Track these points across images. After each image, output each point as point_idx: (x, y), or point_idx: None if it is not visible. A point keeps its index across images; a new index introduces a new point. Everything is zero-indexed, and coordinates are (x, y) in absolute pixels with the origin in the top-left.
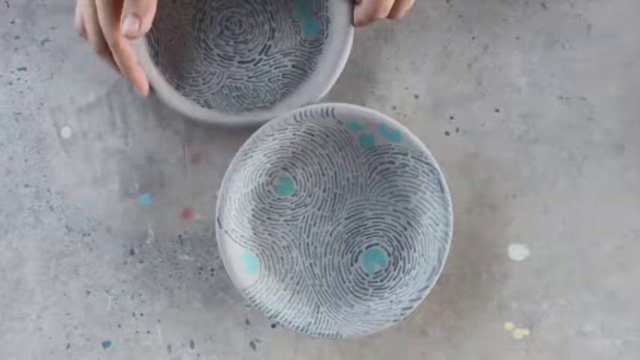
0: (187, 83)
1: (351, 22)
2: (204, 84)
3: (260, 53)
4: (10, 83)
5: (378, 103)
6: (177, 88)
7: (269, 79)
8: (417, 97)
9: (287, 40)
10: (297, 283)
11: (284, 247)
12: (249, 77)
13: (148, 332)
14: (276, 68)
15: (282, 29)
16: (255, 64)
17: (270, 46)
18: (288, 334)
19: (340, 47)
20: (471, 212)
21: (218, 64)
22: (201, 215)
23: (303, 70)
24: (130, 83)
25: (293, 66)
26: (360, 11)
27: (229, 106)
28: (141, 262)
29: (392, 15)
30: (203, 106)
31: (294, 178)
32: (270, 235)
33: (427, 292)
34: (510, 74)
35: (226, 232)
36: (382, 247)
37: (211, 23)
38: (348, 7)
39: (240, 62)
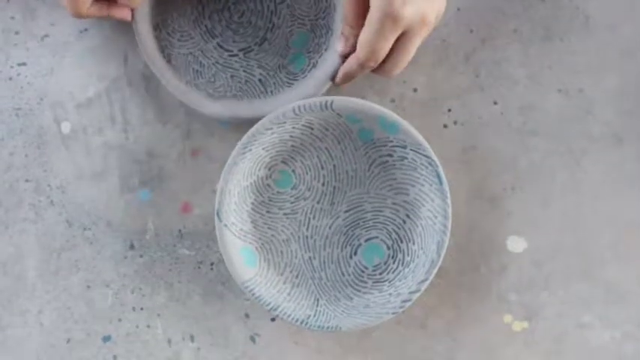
0: (165, 29)
1: (332, 78)
2: (178, 41)
3: (240, 50)
4: (10, 79)
5: (376, 96)
6: (155, 27)
7: (232, 76)
8: (415, 90)
9: (270, 56)
10: (297, 277)
11: (283, 241)
12: (217, 62)
13: (148, 326)
14: (244, 71)
15: (273, 43)
16: (229, 56)
17: (252, 50)
18: (287, 327)
19: (306, 94)
20: (470, 205)
21: (199, 34)
22: (200, 209)
23: (265, 89)
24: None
25: (259, 80)
26: (352, 59)
27: (184, 74)
28: (141, 256)
29: (385, 71)
30: (164, 58)
31: (293, 171)
32: (269, 228)
33: (426, 284)
34: (508, 67)
35: (226, 225)
36: (381, 240)
37: None
38: (337, 65)
39: (218, 45)
